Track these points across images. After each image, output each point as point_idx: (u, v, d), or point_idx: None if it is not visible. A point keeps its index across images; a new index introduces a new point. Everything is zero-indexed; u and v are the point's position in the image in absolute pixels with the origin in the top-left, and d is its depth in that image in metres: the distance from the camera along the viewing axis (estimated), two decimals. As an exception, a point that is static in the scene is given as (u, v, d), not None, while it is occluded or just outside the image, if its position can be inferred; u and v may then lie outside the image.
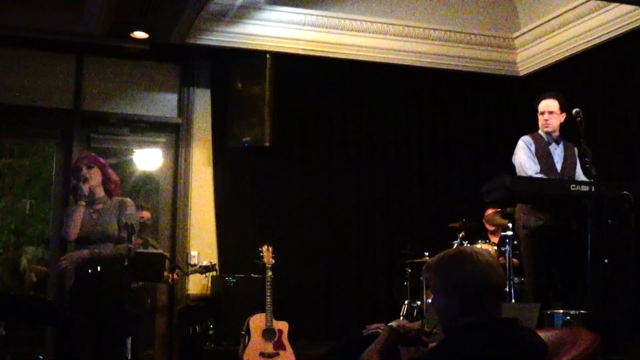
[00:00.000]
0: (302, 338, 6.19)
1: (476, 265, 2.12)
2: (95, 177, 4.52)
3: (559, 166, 5.06)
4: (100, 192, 4.55)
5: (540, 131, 5.15)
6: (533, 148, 5.06)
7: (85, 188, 4.44)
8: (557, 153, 5.12)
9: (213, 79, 7.09)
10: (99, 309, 4.30)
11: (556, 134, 5.12)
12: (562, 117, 5.12)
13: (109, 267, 4.39)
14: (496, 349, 2.05)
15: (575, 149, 5.18)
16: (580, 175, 5.12)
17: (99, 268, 4.37)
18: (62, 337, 4.48)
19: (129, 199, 4.64)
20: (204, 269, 6.42)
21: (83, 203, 4.42)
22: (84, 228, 4.40)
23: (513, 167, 5.18)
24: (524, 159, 5.04)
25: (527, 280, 5.24)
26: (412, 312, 6.64)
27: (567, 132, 5.21)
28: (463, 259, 2.14)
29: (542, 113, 5.11)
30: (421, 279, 6.44)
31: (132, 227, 4.38)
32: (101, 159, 4.65)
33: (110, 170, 4.64)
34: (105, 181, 4.57)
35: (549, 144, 5.12)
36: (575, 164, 5.14)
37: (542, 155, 5.06)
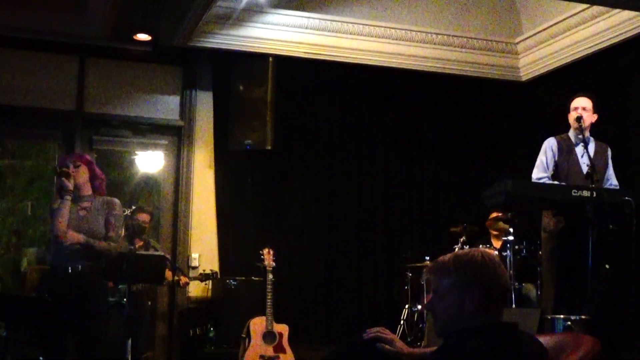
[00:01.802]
0: (303, 341, 6.18)
1: (492, 265, 2.14)
2: (82, 175, 4.53)
3: (585, 168, 5.01)
4: (87, 190, 4.56)
5: (570, 132, 5.12)
6: (553, 151, 5.03)
7: (69, 184, 4.42)
8: (585, 154, 5.07)
9: (215, 82, 7.11)
10: (76, 307, 4.29)
11: (586, 134, 5.08)
12: (594, 118, 5.09)
13: (87, 267, 4.40)
14: (496, 353, 2.05)
15: (609, 150, 5.15)
16: (610, 177, 5.09)
17: (79, 268, 4.36)
18: (48, 335, 4.45)
19: (116, 199, 4.65)
20: (204, 277, 6.40)
21: (69, 198, 4.42)
22: (71, 225, 4.39)
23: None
24: (537, 163, 5.04)
25: (545, 283, 5.22)
26: (413, 316, 6.63)
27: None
28: (481, 258, 2.16)
29: (576, 109, 5.06)
30: (423, 280, 6.42)
31: (133, 228, 4.40)
32: (87, 157, 4.69)
33: (96, 167, 4.67)
34: (92, 178, 4.59)
35: (576, 144, 5.07)
36: (606, 166, 5.09)
37: (567, 156, 5.03)
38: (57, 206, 4.43)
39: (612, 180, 5.09)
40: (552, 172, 5.03)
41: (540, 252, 5.55)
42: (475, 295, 2.11)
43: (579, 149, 5.06)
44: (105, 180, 4.74)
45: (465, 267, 2.15)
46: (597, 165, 4.94)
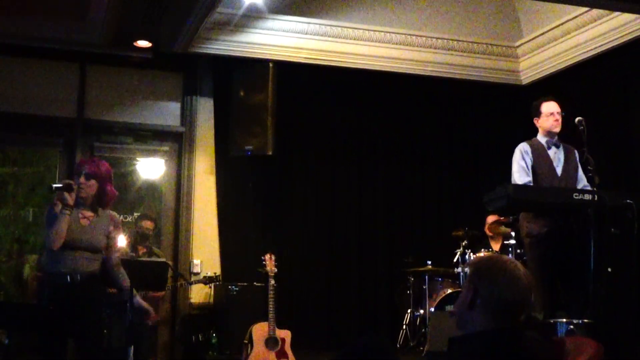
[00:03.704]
0: (305, 346, 6.18)
1: (509, 277, 2.15)
2: (89, 189, 4.37)
3: (559, 170, 5.02)
4: (91, 199, 4.40)
5: (539, 136, 5.13)
6: (529, 156, 5.02)
7: (70, 199, 4.29)
8: (558, 157, 5.07)
9: (216, 88, 7.12)
10: (78, 317, 4.26)
11: (556, 137, 5.11)
12: None
13: (89, 277, 4.32)
14: (496, 358, 2.06)
15: (576, 152, 5.15)
16: (582, 178, 5.09)
17: (78, 277, 4.27)
18: (45, 342, 4.39)
19: (118, 218, 4.52)
20: (208, 280, 6.43)
21: (68, 213, 4.27)
22: (71, 233, 4.27)
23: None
24: (516, 168, 5.01)
25: (535, 290, 5.20)
26: (415, 320, 6.62)
27: (568, 140, 5.21)
28: (491, 267, 2.19)
29: (552, 113, 5.06)
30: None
31: (136, 235, 4.37)
32: (103, 171, 4.46)
33: (109, 187, 4.46)
34: (100, 194, 4.41)
35: (549, 148, 5.08)
36: (577, 168, 5.11)
37: (541, 160, 5.03)
38: (56, 213, 4.34)
39: (583, 181, 5.08)
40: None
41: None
42: (469, 293, 2.12)
43: (551, 152, 5.07)
44: (116, 197, 4.56)
45: (473, 269, 2.18)
46: (569, 168, 4.97)
